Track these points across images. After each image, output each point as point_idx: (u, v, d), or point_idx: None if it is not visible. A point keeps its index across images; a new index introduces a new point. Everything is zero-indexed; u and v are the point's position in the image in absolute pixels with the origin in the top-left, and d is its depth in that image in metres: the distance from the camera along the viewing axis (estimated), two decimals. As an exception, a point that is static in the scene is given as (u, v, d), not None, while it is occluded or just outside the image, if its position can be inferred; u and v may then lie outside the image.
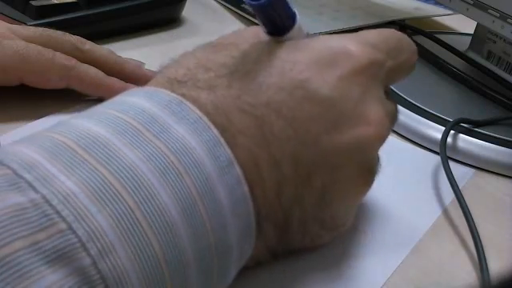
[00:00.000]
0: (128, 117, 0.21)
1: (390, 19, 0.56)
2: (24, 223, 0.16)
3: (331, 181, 0.24)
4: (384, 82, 0.27)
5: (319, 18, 0.55)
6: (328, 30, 0.51)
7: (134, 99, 0.22)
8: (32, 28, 0.38)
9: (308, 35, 0.27)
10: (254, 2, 0.24)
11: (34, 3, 0.45)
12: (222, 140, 0.21)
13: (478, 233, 0.30)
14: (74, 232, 0.17)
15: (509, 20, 0.42)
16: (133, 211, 0.18)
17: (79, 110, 0.38)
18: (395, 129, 0.40)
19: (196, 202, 0.20)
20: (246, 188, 0.22)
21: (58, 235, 0.17)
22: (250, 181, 0.22)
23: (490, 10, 0.43)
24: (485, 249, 0.29)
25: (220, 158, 0.21)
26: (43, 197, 0.17)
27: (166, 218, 0.19)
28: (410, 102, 0.42)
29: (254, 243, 0.23)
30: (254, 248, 0.24)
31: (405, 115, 0.41)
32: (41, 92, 0.37)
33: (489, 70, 0.47)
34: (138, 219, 0.18)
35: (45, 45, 0.36)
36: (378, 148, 0.26)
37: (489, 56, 0.48)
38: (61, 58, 0.36)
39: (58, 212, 0.17)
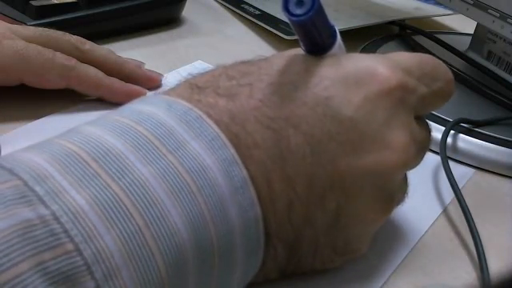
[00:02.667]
0: (143, 128, 0.20)
1: (390, 19, 0.56)
2: (31, 241, 0.16)
3: (346, 204, 0.23)
4: (416, 108, 0.26)
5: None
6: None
7: (151, 109, 0.21)
8: (32, 28, 0.38)
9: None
10: (294, 18, 0.22)
11: (33, 3, 0.45)
12: (238, 160, 0.21)
13: (478, 233, 0.30)
14: (81, 254, 0.17)
15: (509, 20, 0.42)
16: (142, 232, 0.18)
17: (79, 110, 0.38)
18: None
19: (207, 222, 0.20)
20: (258, 210, 0.21)
21: (64, 257, 0.16)
22: (260, 195, 0.22)
23: (489, 10, 0.43)
24: (485, 249, 0.29)
25: (235, 178, 0.21)
26: (52, 213, 0.17)
27: (176, 239, 0.19)
28: (410, 102, 0.42)
29: (260, 263, 0.23)
30: (263, 266, 0.23)
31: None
32: (41, 92, 0.37)
33: (489, 70, 0.47)
34: (146, 240, 0.18)
35: (45, 45, 0.36)
36: (399, 175, 0.25)
37: (489, 56, 0.48)
38: (61, 58, 0.36)
39: (66, 231, 0.17)
